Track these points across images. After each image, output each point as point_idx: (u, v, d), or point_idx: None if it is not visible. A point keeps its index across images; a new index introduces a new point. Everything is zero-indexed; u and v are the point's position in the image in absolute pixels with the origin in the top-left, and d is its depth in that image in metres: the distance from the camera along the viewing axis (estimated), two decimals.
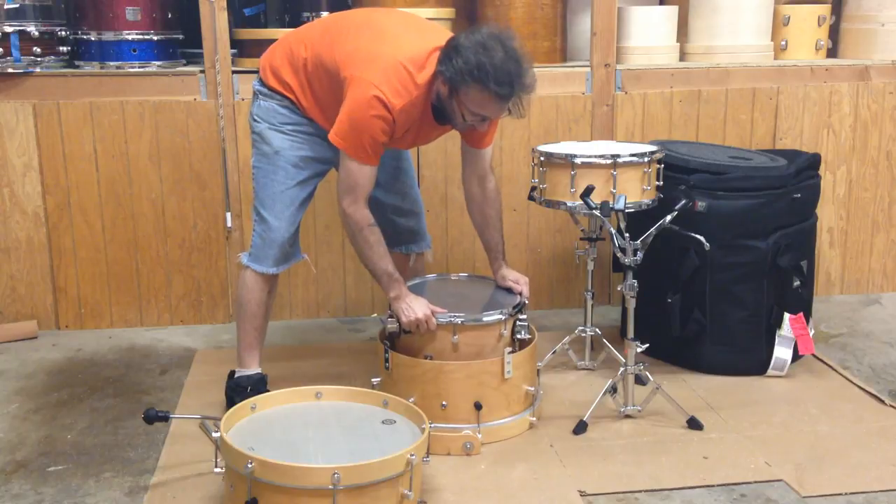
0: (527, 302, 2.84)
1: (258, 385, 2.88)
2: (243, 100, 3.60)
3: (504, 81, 2.48)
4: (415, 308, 2.65)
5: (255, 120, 2.82)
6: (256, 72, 2.88)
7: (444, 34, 2.67)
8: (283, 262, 2.84)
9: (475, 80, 2.47)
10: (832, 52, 4.25)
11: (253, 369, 2.93)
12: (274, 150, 2.76)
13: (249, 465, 2.12)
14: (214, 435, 2.36)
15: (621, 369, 2.83)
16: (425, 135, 2.81)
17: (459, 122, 2.63)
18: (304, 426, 2.44)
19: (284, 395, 2.58)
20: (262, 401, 2.53)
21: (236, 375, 2.94)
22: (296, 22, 3.78)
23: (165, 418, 2.58)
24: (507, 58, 2.50)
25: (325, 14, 3.75)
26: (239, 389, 2.87)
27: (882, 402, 2.98)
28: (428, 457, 2.33)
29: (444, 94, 2.56)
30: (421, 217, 3.12)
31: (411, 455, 2.18)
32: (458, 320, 2.66)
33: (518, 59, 2.53)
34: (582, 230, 3.15)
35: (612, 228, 2.75)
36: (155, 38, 3.66)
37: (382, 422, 2.45)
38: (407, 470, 2.17)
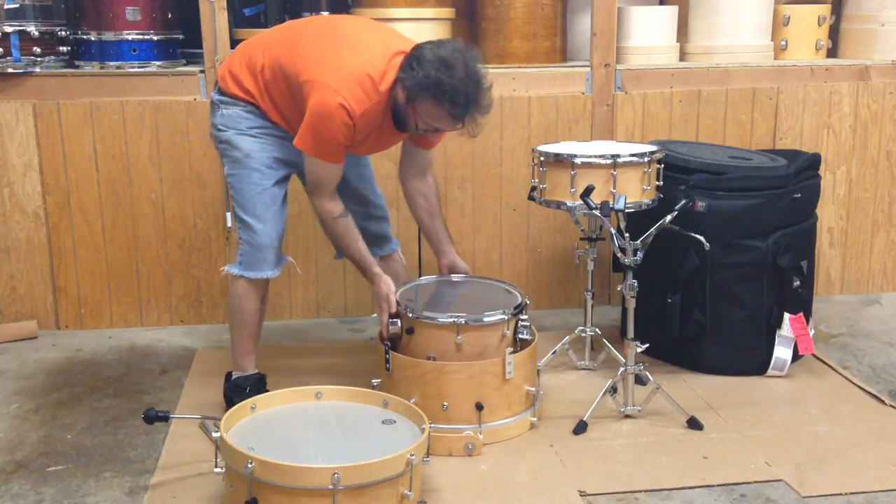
0: (528, 302, 2.84)
1: (258, 385, 2.88)
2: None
3: (460, 102, 2.50)
4: (385, 289, 2.75)
5: (219, 129, 2.80)
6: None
7: (404, 40, 2.70)
8: (276, 265, 2.84)
9: (431, 96, 2.50)
10: (832, 52, 4.25)
11: (250, 370, 2.92)
12: (245, 154, 2.75)
13: (249, 465, 2.12)
14: (214, 435, 2.37)
15: (621, 369, 2.84)
16: (385, 141, 2.81)
17: (412, 129, 2.67)
18: (304, 426, 2.44)
19: (284, 395, 2.58)
20: (262, 401, 2.53)
21: (234, 377, 2.93)
22: None
23: (165, 418, 2.58)
24: (467, 78, 2.50)
25: (325, 14, 3.75)
26: (238, 390, 2.87)
27: (882, 402, 2.98)
28: (428, 457, 2.33)
29: (402, 100, 2.58)
30: (386, 221, 3.13)
31: (411, 455, 2.18)
32: (461, 321, 2.66)
33: (478, 81, 2.54)
34: (582, 230, 3.15)
35: (612, 228, 2.75)
36: (155, 38, 3.66)
37: (382, 422, 2.45)
38: (407, 470, 2.18)
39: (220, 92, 2.82)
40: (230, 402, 2.84)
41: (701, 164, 3.18)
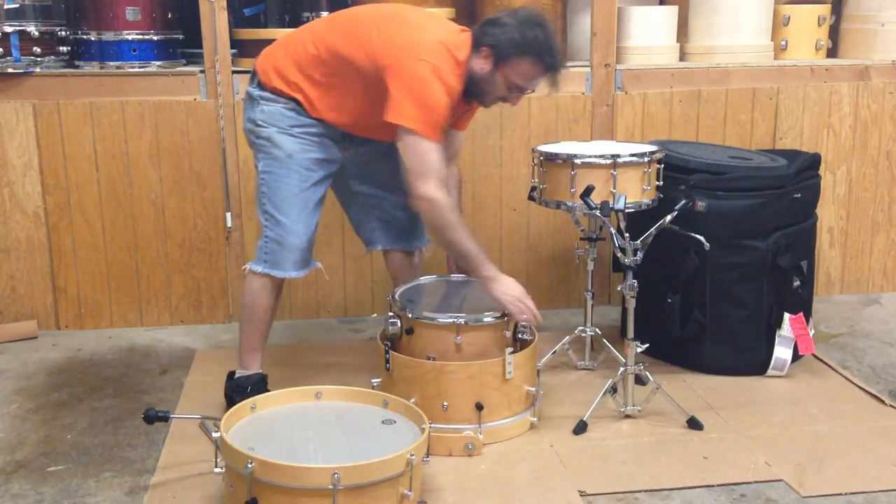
0: None
1: (259, 385, 2.88)
2: (244, 100, 3.59)
3: (555, 54, 2.63)
4: (513, 288, 2.68)
5: (258, 125, 2.78)
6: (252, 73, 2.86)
7: (452, 23, 2.80)
8: (302, 267, 2.83)
9: (526, 53, 2.59)
10: (832, 52, 4.25)
11: (253, 370, 2.92)
12: (286, 154, 2.75)
13: (249, 465, 2.12)
14: (214, 435, 2.37)
15: (621, 369, 2.84)
16: (454, 114, 2.82)
17: (495, 96, 2.71)
18: (304, 426, 2.44)
19: (284, 395, 2.58)
20: (262, 401, 2.53)
21: (236, 376, 2.93)
22: (296, 22, 3.78)
23: (165, 418, 2.58)
24: (550, 33, 2.64)
25: (324, 14, 3.75)
26: (239, 390, 2.87)
27: (882, 402, 2.98)
28: (428, 457, 2.33)
29: (486, 68, 2.63)
30: (418, 214, 3.12)
31: (411, 455, 2.18)
32: (461, 321, 2.66)
33: (555, 38, 2.67)
34: (582, 230, 3.15)
35: (612, 228, 2.75)
36: (155, 38, 3.66)
37: (382, 422, 2.45)
38: (407, 470, 2.17)
39: (261, 86, 2.79)
40: (231, 401, 2.84)
41: (701, 164, 3.18)
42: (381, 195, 2.99)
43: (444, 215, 2.62)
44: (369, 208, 3.03)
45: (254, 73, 2.84)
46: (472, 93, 2.71)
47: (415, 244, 3.11)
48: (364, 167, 2.97)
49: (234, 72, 3.59)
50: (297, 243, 2.78)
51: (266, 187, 2.80)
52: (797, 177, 3.22)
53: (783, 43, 4.07)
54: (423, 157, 2.59)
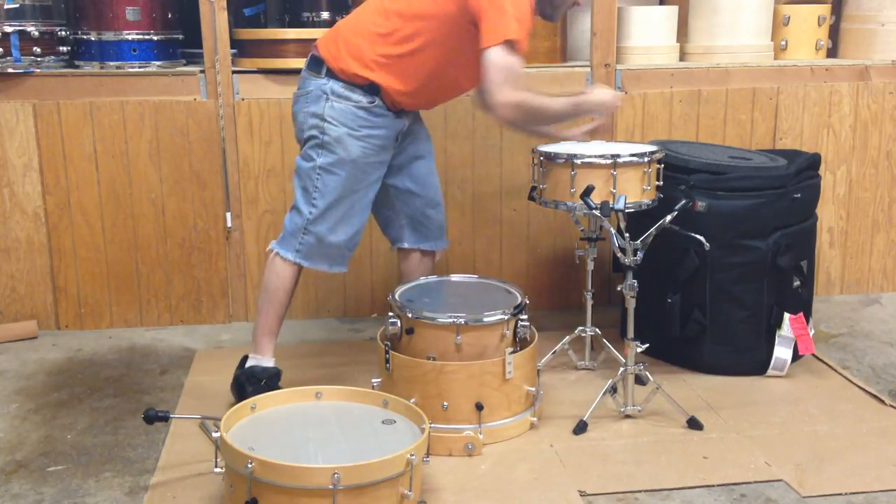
0: (528, 302, 2.84)
1: (272, 381, 2.87)
2: (243, 99, 3.60)
3: None
4: (605, 94, 2.81)
5: (327, 122, 2.75)
6: (305, 68, 2.84)
7: None
8: (337, 263, 2.89)
9: None
10: (832, 52, 4.25)
11: (268, 358, 2.92)
12: (352, 158, 2.76)
13: (249, 465, 2.12)
14: (214, 435, 2.36)
15: (621, 369, 2.84)
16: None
17: (568, 4, 2.82)
18: (304, 426, 2.44)
19: (284, 395, 2.58)
20: (262, 401, 2.53)
21: (250, 363, 2.92)
22: (296, 22, 3.79)
23: (165, 418, 2.58)
24: None
25: (325, 14, 3.75)
26: (253, 380, 2.86)
27: (882, 402, 2.98)
28: (428, 457, 2.33)
29: None
30: (443, 210, 3.16)
31: (411, 455, 2.18)
32: (461, 321, 2.66)
33: None
34: (582, 230, 3.15)
35: (612, 228, 2.75)
36: (155, 38, 3.66)
37: (382, 422, 2.45)
38: (407, 470, 2.17)
39: (332, 75, 2.76)
40: (241, 387, 2.85)
41: (701, 165, 3.18)
42: (415, 192, 3.02)
43: (529, 102, 2.66)
44: (401, 205, 3.04)
45: (317, 63, 2.80)
46: (544, 9, 2.78)
47: (439, 245, 3.14)
48: (403, 163, 2.99)
49: (234, 72, 3.59)
50: (339, 242, 2.82)
51: (321, 182, 2.79)
52: (797, 177, 3.22)
53: (783, 43, 4.07)
54: (514, 68, 2.61)
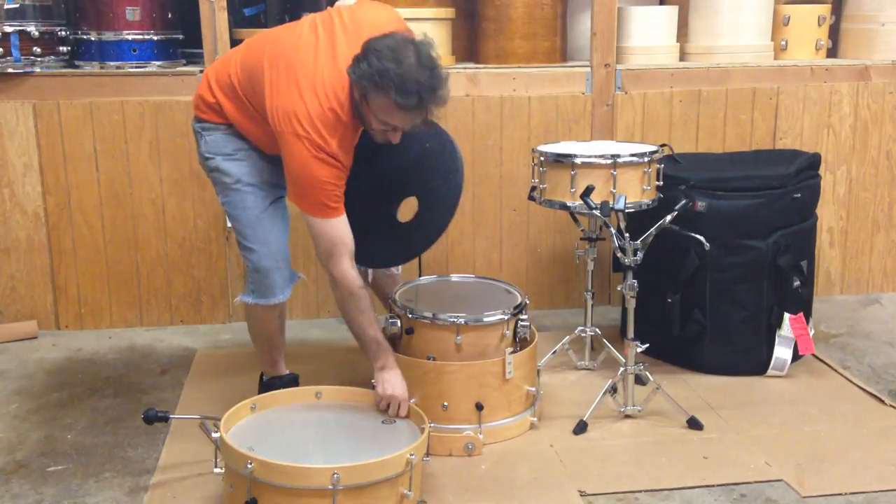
0: (528, 302, 2.84)
1: (290, 385, 2.86)
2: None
3: (410, 90, 2.33)
4: (395, 385, 2.53)
5: (206, 158, 2.72)
6: None
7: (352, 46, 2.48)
8: (286, 286, 2.74)
9: (378, 87, 2.35)
10: (832, 52, 4.25)
11: (282, 371, 2.92)
12: (235, 180, 2.67)
13: (249, 466, 2.12)
14: (214, 435, 2.37)
15: (621, 369, 2.84)
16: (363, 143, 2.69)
17: (373, 131, 2.51)
18: (304, 426, 2.44)
19: (284, 395, 2.58)
20: (262, 401, 2.54)
21: (266, 379, 2.92)
22: None
23: (165, 418, 2.58)
24: (419, 66, 2.35)
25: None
26: (272, 391, 2.85)
27: (882, 402, 2.98)
28: (428, 456, 2.33)
29: (358, 100, 2.44)
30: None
31: (411, 455, 2.18)
32: (461, 321, 2.66)
33: (431, 68, 2.38)
34: (582, 230, 3.15)
35: (612, 228, 2.75)
36: (155, 38, 3.66)
37: (382, 422, 2.45)
38: (406, 470, 2.18)
39: (198, 119, 2.75)
40: None
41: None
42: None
43: (351, 297, 2.54)
44: None
45: (194, 110, 2.78)
46: (363, 120, 2.50)
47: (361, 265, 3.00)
48: None
49: None
50: (271, 265, 2.68)
51: (231, 219, 2.75)
52: (797, 177, 3.22)
53: (783, 43, 4.07)
54: (324, 237, 2.51)
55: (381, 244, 2.83)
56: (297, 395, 2.58)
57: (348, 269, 2.54)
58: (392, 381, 2.54)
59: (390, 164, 2.80)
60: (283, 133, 2.45)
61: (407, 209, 2.87)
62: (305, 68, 2.47)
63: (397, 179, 2.84)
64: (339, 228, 2.52)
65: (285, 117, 2.44)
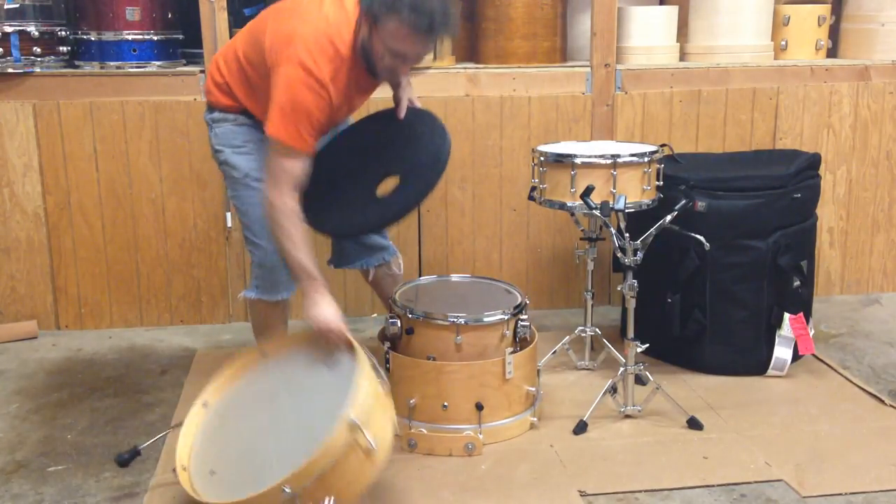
0: (528, 302, 2.84)
1: None
2: None
3: (423, 12, 2.33)
4: (325, 315, 2.44)
5: (216, 150, 2.73)
6: None
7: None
8: (291, 283, 2.71)
9: (391, 9, 2.34)
10: (832, 52, 4.25)
11: None
12: (243, 174, 2.67)
13: None
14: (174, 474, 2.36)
15: (621, 369, 2.84)
16: (358, 99, 2.69)
17: (381, 66, 2.48)
18: (256, 411, 2.41)
19: (232, 371, 2.55)
20: (211, 394, 2.53)
21: None
22: None
23: (138, 452, 2.61)
24: None
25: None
26: None
27: (882, 402, 2.98)
28: (384, 377, 2.27)
29: (366, 35, 2.44)
30: (381, 232, 3.00)
31: (352, 419, 2.10)
32: (461, 321, 2.66)
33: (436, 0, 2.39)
34: (582, 230, 3.15)
35: (612, 228, 2.75)
36: (155, 38, 3.66)
37: (328, 367, 2.38)
38: (355, 432, 2.11)
39: (210, 108, 2.75)
40: None
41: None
42: None
43: (284, 221, 2.49)
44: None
45: (206, 98, 2.78)
46: (369, 67, 2.51)
47: (377, 259, 3.01)
48: None
49: None
50: (276, 262, 2.67)
51: (239, 213, 2.75)
52: (797, 177, 3.22)
53: (783, 43, 4.07)
54: (282, 168, 2.48)
55: (356, 215, 2.77)
56: (244, 364, 2.55)
57: (290, 199, 2.49)
58: (321, 313, 2.44)
59: (378, 140, 2.80)
60: (278, 62, 2.44)
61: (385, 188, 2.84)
62: (309, 11, 2.49)
63: (383, 157, 2.80)
64: (301, 166, 2.49)
65: (282, 42, 2.44)
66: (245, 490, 2.13)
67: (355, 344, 2.35)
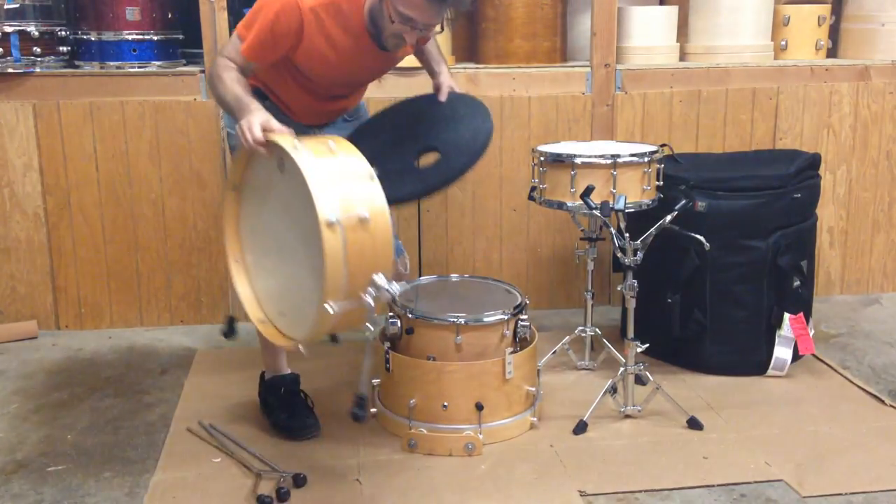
0: (528, 302, 2.84)
1: (292, 384, 2.86)
2: None
3: None
4: (253, 123, 2.28)
5: (228, 133, 2.73)
6: None
7: None
8: None
9: None
10: (832, 52, 4.25)
11: (283, 371, 2.91)
12: None
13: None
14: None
15: (621, 369, 2.84)
16: (366, 63, 2.64)
17: (388, 32, 2.44)
18: (269, 247, 2.37)
19: (230, 222, 2.48)
20: (232, 247, 2.47)
21: (268, 377, 2.91)
22: None
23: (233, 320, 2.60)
24: None
25: None
26: (273, 390, 2.86)
27: (882, 402, 2.98)
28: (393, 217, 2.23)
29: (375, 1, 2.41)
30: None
31: (325, 218, 2.04)
32: (461, 321, 2.66)
33: None
34: (582, 230, 3.15)
35: (612, 228, 2.75)
36: (155, 38, 3.66)
37: (280, 172, 2.27)
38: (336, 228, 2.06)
39: None
40: (265, 402, 2.87)
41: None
42: None
43: (217, 71, 2.46)
44: None
45: None
46: (376, 34, 2.48)
47: None
48: None
49: None
50: None
51: None
52: (797, 177, 3.22)
53: (783, 43, 4.07)
54: (234, 47, 2.47)
55: (394, 185, 2.63)
56: (232, 208, 2.48)
57: (225, 60, 2.47)
58: (247, 120, 2.32)
59: (419, 118, 2.78)
60: None
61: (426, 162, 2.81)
62: None
63: (424, 133, 2.77)
64: (241, 58, 2.46)
65: None
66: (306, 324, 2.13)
67: (271, 137, 2.22)
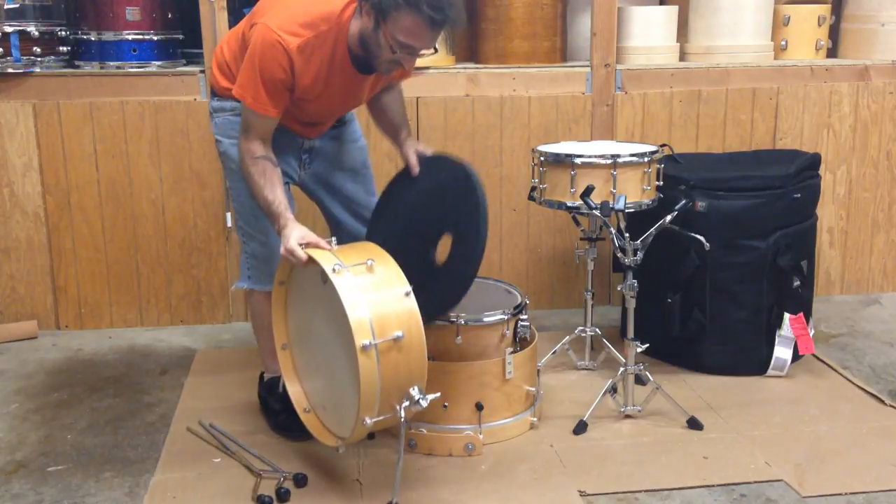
0: (528, 302, 2.84)
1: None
2: None
3: (437, 6, 2.33)
4: (290, 238, 2.40)
5: (216, 140, 2.74)
6: None
7: None
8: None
9: (407, 4, 2.32)
10: (832, 52, 4.25)
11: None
12: (238, 166, 2.64)
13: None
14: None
15: (621, 369, 2.84)
16: (351, 90, 2.65)
17: (384, 59, 2.45)
18: (311, 344, 2.49)
19: (278, 311, 2.59)
20: (280, 334, 2.60)
21: (267, 377, 2.92)
22: None
23: None
24: None
25: None
26: (273, 390, 2.86)
27: (882, 402, 2.98)
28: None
29: (369, 27, 2.41)
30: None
31: (362, 344, 2.16)
32: (461, 321, 2.66)
33: None
34: (582, 230, 3.15)
35: (612, 228, 2.75)
36: (155, 38, 3.66)
37: (323, 285, 2.33)
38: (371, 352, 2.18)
39: (212, 94, 2.75)
40: (264, 401, 2.88)
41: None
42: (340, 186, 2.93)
43: (252, 163, 2.51)
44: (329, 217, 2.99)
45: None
46: (363, 63, 2.51)
47: None
48: (313, 188, 2.90)
49: None
50: (269, 255, 2.70)
51: (235, 203, 2.76)
52: (797, 177, 3.22)
53: (783, 43, 4.07)
54: (250, 122, 2.51)
55: (433, 292, 2.65)
56: (280, 300, 2.59)
57: (255, 146, 2.51)
58: (286, 240, 2.41)
59: (411, 208, 2.78)
60: (254, 26, 2.48)
61: (441, 251, 2.80)
62: None
63: (424, 222, 2.78)
64: (266, 125, 2.52)
65: (266, 5, 2.52)
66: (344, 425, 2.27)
67: (311, 254, 2.31)
